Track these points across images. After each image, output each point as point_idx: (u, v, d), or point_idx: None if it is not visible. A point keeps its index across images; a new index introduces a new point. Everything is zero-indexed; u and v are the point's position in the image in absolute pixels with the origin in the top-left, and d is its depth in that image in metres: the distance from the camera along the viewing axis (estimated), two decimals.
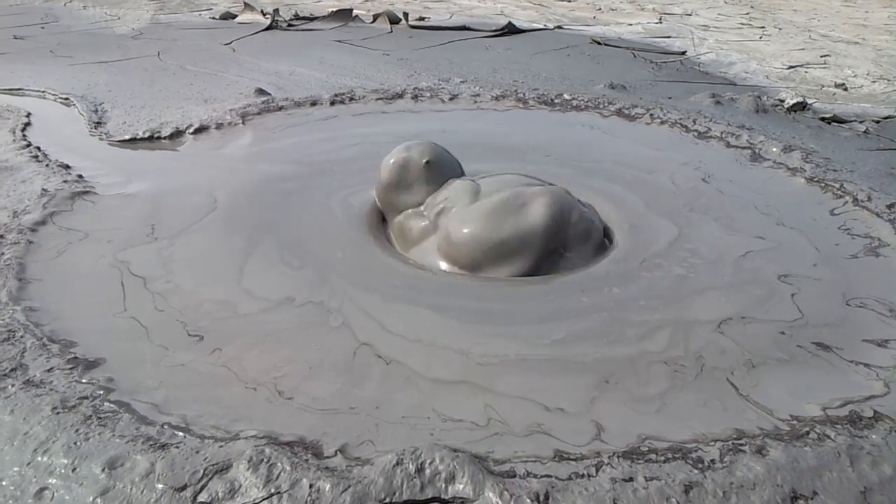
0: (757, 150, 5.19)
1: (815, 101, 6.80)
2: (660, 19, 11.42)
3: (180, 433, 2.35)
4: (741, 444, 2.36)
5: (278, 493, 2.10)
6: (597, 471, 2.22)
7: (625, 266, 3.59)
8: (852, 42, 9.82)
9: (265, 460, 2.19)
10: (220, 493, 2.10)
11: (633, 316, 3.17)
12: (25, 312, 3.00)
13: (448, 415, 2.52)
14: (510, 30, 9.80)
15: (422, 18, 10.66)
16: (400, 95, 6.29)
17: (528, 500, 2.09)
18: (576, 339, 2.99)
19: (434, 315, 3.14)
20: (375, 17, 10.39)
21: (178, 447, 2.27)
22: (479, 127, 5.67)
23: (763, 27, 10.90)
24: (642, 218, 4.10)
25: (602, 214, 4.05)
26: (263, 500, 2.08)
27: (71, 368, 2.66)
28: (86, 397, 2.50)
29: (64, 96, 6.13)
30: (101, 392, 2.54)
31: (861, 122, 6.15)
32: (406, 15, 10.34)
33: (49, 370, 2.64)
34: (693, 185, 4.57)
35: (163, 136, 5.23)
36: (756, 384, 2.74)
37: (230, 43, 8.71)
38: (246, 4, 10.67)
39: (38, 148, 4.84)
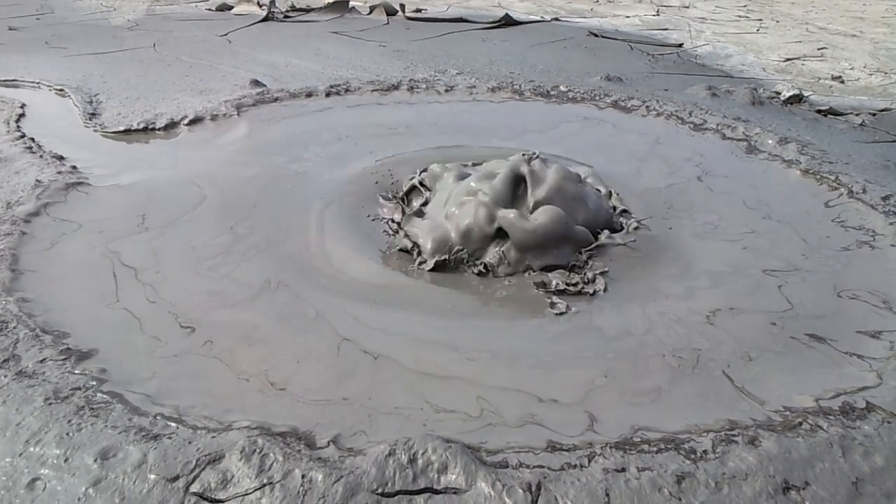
0: (753, 143, 5.19)
1: (811, 93, 6.79)
2: (657, 11, 11.39)
3: (173, 424, 2.35)
4: (734, 435, 2.37)
5: (270, 483, 2.10)
6: (589, 461, 2.22)
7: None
8: (850, 35, 9.80)
9: (258, 451, 2.19)
10: (212, 484, 2.10)
11: None
12: (18, 303, 2.99)
13: None
14: (507, 21, 9.77)
15: (419, 10, 10.62)
16: (396, 87, 6.27)
17: (521, 491, 2.09)
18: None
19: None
20: (372, 9, 10.35)
21: (170, 438, 2.27)
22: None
23: (760, 19, 10.87)
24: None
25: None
26: (255, 490, 2.08)
27: (64, 359, 2.65)
28: (78, 388, 2.50)
29: (59, 87, 6.10)
30: (94, 383, 2.54)
31: (857, 115, 6.14)
32: (403, 6, 10.30)
33: (42, 361, 2.63)
34: (687, 178, 4.57)
35: (157, 127, 5.21)
36: (750, 375, 2.75)
37: (226, 34, 8.67)
38: None
39: (33, 139, 4.82)
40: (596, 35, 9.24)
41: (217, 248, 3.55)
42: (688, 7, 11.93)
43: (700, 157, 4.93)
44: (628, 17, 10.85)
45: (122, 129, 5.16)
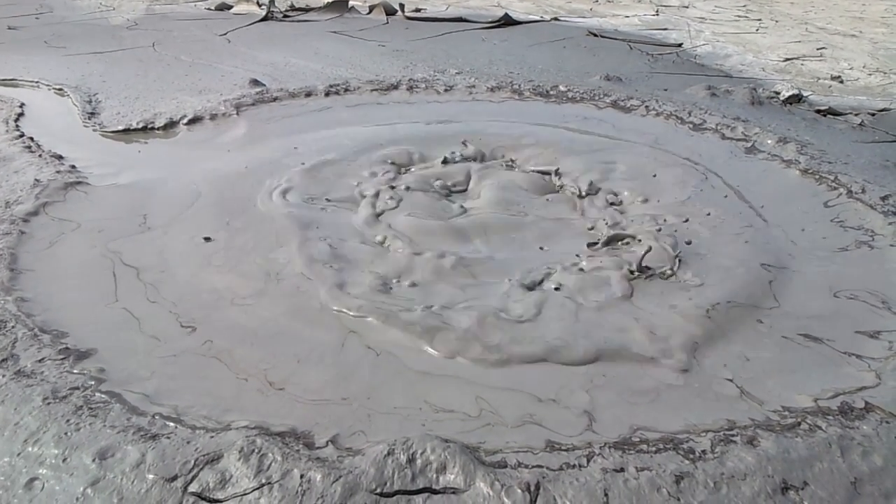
0: (752, 142, 5.18)
1: (810, 93, 6.79)
2: (656, 11, 11.39)
3: (171, 424, 2.34)
4: (732, 435, 2.37)
5: (269, 483, 2.10)
6: (588, 461, 2.22)
7: None
8: (849, 34, 9.80)
9: (256, 451, 2.19)
10: (210, 484, 2.10)
11: None
12: (17, 303, 2.99)
13: None
14: (507, 21, 9.76)
15: (418, 9, 10.62)
16: (395, 86, 6.26)
17: (519, 491, 2.09)
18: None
19: None
20: (371, 8, 10.34)
21: (169, 437, 2.27)
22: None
23: (760, 19, 10.87)
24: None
25: None
26: (254, 490, 2.08)
27: (62, 359, 2.65)
28: (77, 388, 2.50)
29: (58, 87, 6.09)
30: (93, 382, 2.54)
31: (856, 115, 6.14)
32: (402, 6, 10.30)
33: (40, 360, 2.63)
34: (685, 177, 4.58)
35: (156, 126, 5.20)
36: (748, 375, 2.75)
37: (225, 34, 8.67)
38: None
39: (32, 138, 4.82)
40: (595, 35, 9.24)
41: (213, 248, 3.54)
42: (687, 7, 11.93)
43: (699, 156, 4.92)
44: (628, 16, 10.85)
45: (121, 128, 5.16)
